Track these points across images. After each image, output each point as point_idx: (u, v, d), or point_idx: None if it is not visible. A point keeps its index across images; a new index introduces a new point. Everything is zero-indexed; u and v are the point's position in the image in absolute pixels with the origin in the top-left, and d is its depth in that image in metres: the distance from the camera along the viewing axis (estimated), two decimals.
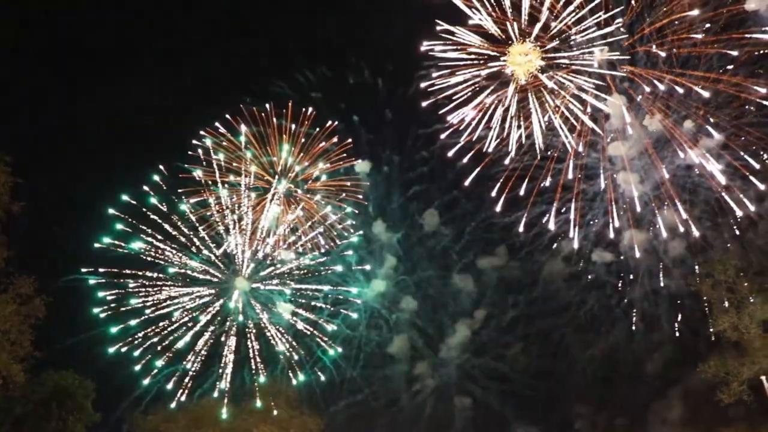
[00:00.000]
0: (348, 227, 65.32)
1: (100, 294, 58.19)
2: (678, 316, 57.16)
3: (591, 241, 62.43)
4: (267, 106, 62.71)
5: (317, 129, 63.82)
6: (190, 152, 62.56)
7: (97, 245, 59.17)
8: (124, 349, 57.43)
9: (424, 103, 60.17)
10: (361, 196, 65.31)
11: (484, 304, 65.16)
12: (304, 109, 62.99)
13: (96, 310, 57.76)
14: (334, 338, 63.97)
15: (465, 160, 61.68)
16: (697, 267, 53.48)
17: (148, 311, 59.57)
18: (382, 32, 62.12)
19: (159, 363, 58.73)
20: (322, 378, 62.26)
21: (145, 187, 61.11)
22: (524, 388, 62.11)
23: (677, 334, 57.09)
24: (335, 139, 63.73)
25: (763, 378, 41.95)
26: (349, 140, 64.13)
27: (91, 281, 58.35)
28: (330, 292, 64.12)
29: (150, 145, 63.56)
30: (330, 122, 63.36)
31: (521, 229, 63.22)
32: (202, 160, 62.48)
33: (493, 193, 61.93)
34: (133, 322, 58.56)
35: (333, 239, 65.49)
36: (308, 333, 64.46)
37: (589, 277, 62.56)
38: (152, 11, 66.95)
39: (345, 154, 64.10)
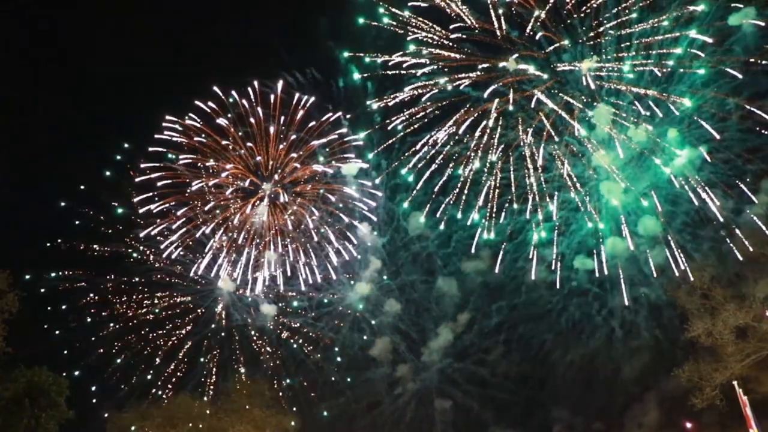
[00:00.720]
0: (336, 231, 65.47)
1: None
2: (657, 324, 58.10)
3: (573, 249, 63.11)
4: (250, 90, 61.86)
5: (311, 124, 63.57)
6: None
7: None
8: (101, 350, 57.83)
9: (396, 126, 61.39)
10: (368, 206, 65.35)
11: (467, 308, 65.68)
12: (298, 95, 62.29)
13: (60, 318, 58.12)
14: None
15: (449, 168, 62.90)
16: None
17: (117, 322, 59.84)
18: (373, 35, 62.49)
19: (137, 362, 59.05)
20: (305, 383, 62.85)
21: (107, 172, 60.87)
22: (504, 392, 62.63)
23: (655, 341, 58.05)
24: (336, 135, 63.53)
25: (735, 383, 42.44)
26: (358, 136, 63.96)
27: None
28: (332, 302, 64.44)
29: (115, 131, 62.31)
30: (331, 113, 63.00)
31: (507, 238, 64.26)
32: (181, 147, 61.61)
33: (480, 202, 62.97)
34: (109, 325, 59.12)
35: (319, 242, 65.76)
36: (293, 337, 64.88)
37: (573, 284, 63.22)
38: None
39: (353, 155, 63.88)
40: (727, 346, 44.98)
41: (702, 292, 46.16)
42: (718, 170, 59.87)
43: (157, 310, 61.35)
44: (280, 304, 65.39)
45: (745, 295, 44.98)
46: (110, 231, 60.77)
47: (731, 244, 48.29)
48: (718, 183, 59.62)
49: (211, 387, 56.17)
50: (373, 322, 65.88)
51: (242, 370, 59.20)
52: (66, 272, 59.31)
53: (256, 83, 61.82)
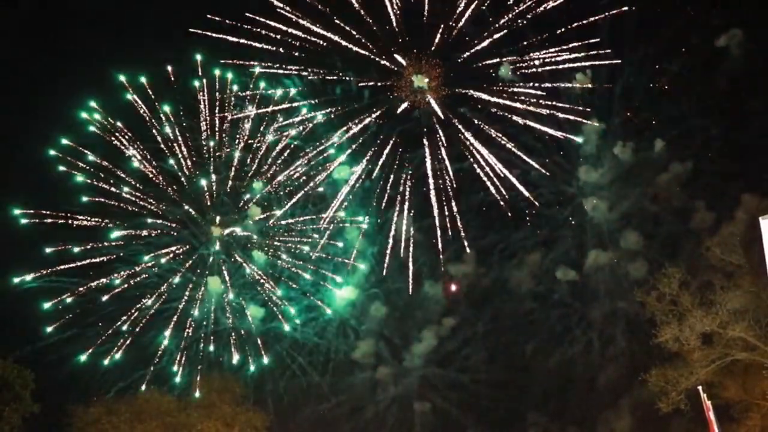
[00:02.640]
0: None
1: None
2: (632, 334, 59.22)
3: (556, 261, 64.22)
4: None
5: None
6: None
7: None
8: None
9: None
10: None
11: (451, 314, 66.58)
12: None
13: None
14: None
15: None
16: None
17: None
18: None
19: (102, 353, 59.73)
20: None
21: None
22: (484, 398, 63.35)
23: (630, 350, 59.14)
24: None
25: (700, 388, 43.02)
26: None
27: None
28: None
29: None
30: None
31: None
32: None
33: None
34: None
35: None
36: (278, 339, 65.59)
37: (555, 296, 64.25)
38: None
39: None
40: (693, 352, 45.56)
41: (671, 298, 46.77)
42: (702, 184, 60.80)
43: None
44: (267, 307, 66.31)
45: (712, 301, 45.57)
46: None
47: (704, 253, 48.80)
48: (702, 197, 60.51)
49: (182, 383, 56.06)
50: (357, 326, 66.64)
51: (222, 369, 59.73)
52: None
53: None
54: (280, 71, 64.02)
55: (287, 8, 62.21)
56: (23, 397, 41.30)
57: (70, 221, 61.39)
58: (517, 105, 65.00)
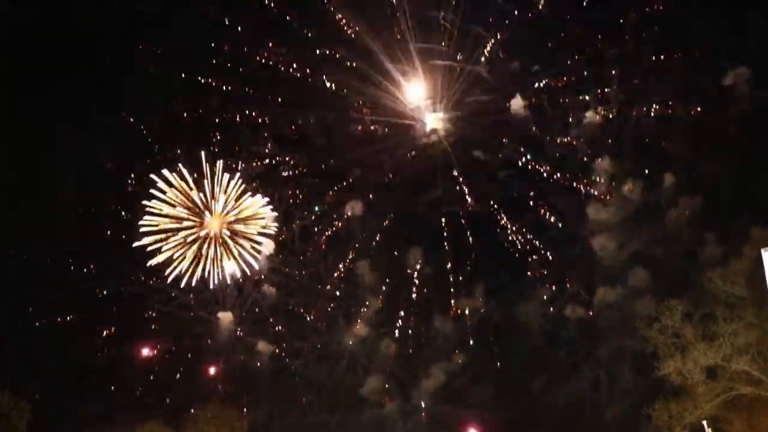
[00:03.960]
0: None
1: None
2: (640, 370, 58.37)
3: (565, 299, 64.12)
4: None
5: None
6: None
7: None
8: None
9: None
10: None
11: (460, 349, 66.38)
12: None
13: None
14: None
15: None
16: None
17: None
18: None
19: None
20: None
21: None
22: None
23: (638, 387, 58.23)
24: None
25: (705, 422, 42.42)
26: None
27: None
28: None
29: None
30: None
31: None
32: None
33: None
34: None
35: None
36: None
37: (564, 333, 63.98)
38: None
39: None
40: (697, 386, 44.98)
41: (673, 330, 46.42)
42: (711, 220, 60.57)
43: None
44: (276, 345, 66.66)
45: (715, 334, 45.15)
46: None
47: (706, 285, 48.48)
48: (711, 233, 60.19)
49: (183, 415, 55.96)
50: (367, 363, 66.62)
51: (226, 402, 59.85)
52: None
53: None
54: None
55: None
56: (19, 427, 41.54)
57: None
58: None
